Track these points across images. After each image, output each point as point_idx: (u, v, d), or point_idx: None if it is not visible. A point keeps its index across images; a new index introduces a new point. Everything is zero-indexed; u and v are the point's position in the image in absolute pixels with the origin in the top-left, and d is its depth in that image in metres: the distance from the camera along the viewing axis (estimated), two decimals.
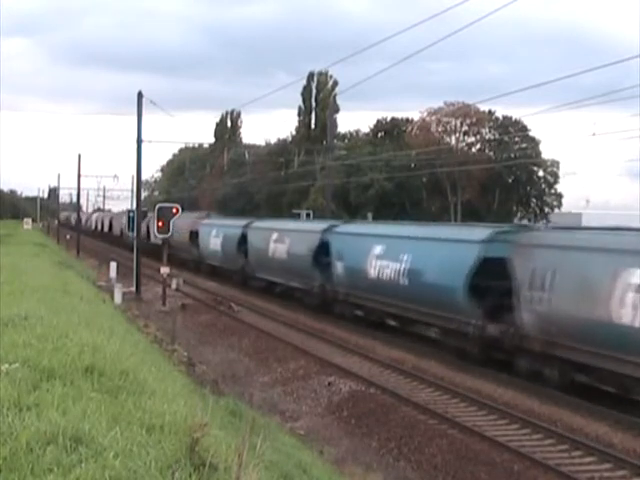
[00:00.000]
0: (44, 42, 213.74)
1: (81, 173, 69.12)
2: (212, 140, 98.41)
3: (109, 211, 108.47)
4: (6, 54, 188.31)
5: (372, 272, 26.57)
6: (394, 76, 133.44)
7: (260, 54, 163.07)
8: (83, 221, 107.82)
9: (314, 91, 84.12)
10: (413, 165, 68.74)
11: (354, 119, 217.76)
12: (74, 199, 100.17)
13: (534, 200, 78.60)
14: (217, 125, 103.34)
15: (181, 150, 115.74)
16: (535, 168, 76.67)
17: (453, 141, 76.56)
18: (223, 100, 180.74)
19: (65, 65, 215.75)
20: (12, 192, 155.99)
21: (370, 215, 61.90)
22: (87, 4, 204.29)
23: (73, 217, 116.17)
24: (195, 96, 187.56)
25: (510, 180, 75.47)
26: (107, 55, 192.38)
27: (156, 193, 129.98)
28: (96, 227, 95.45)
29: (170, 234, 43.85)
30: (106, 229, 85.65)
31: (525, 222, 75.15)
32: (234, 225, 44.76)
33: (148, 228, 54.19)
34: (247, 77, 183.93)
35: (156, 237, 52.17)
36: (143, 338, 20.26)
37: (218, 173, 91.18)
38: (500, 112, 76.52)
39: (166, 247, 36.50)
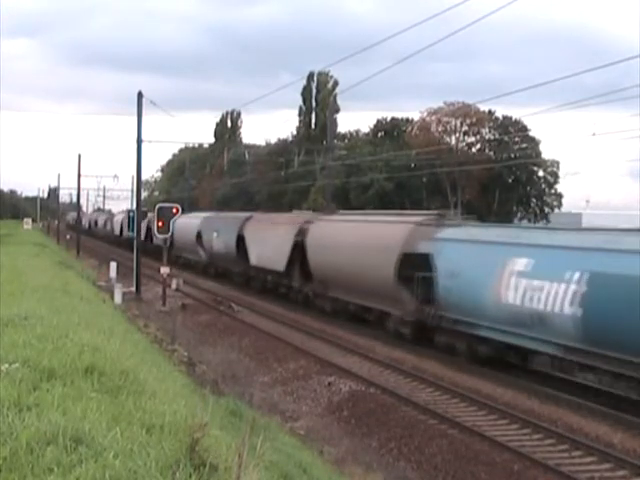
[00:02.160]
0: (46, 42, 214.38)
1: (81, 173, 69.00)
2: (212, 140, 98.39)
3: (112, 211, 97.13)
4: (8, 54, 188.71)
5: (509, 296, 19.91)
6: (394, 76, 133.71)
7: (264, 55, 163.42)
8: (100, 224, 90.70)
9: (314, 91, 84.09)
10: (413, 165, 68.70)
11: (354, 119, 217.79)
12: (74, 199, 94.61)
13: (534, 200, 78.54)
14: (217, 125, 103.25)
15: (181, 150, 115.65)
16: (535, 168, 76.61)
17: (453, 141, 76.47)
18: (224, 100, 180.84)
19: (67, 65, 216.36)
20: (12, 192, 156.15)
21: None
22: (89, 4, 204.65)
23: (87, 219, 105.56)
24: (196, 96, 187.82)
25: (510, 180, 75.41)
26: (108, 55, 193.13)
27: (156, 193, 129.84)
28: (121, 232, 66.62)
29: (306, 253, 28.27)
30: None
31: (525, 222, 75.21)
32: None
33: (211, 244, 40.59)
34: (249, 77, 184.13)
35: (257, 260, 36.41)
36: (143, 338, 20.27)
37: (218, 173, 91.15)
38: (500, 112, 76.51)
39: (165, 248, 36.33)
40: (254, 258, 36.45)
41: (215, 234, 42.03)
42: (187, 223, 48.35)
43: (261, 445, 5.67)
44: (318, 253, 30.29)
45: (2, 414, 5.81)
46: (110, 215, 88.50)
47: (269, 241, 34.86)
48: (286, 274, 33.27)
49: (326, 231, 30.70)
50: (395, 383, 20.14)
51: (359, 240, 27.40)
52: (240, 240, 38.76)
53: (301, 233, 32.14)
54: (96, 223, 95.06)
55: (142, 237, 45.64)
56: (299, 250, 31.88)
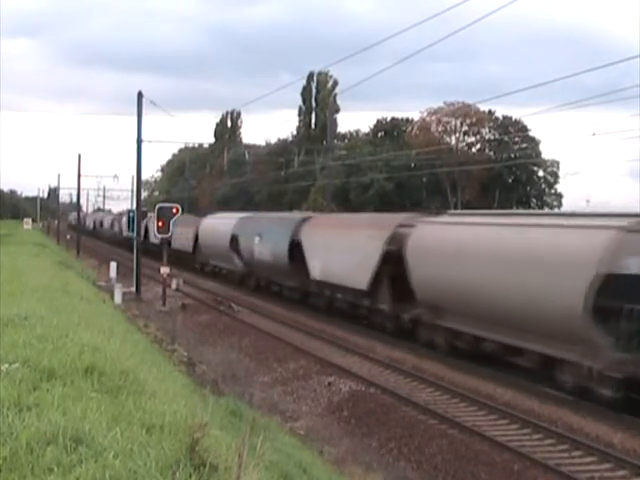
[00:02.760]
0: (46, 42, 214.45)
1: (81, 173, 68.94)
2: (212, 140, 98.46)
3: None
4: (8, 54, 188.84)
5: None
6: (394, 76, 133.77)
7: (264, 55, 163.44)
8: (106, 225, 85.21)
9: (314, 91, 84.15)
10: (413, 165, 68.77)
11: (354, 119, 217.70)
12: (74, 199, 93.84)
13: (534, 200, 78.60)
14: (217, 125, 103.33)
15: (181, 150, 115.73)
16: (535, 168, 76.69)
17: (453, 141, 76.56)
18: (224, 100, 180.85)
19: (67, 65, 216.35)
20: (12, 192, 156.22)
21: None
22: (89, 4, 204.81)
23: (92, 219, 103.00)
24: (196, 96, 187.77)
25: (510, 180, 75.49)
26: (108, 55, 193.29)
27: (156, 193, 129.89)
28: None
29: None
30: (152, 239, 46.52)
31: None
32: None
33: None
34: (249, 77, 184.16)
35: (322, 274, 28.61)
36: (143, 338, 20.29)
37: (218, 173, 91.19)
38: (500, 112, 76.64)
39: (166, 248, 36.27)
40: (317, 271, 29.43)
41: (257, 239, 35.74)
42: (217, 225, 42.65)
43: (261, 445, 5.67)
44: (427, 267, 22.68)
45: (2, 414, 5.81)
46: (118, 215, 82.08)
47: (342, 250, 27.81)
48: (369, 293, 26.25)
49: (443, 237, 22.80)
50: (395, 383, 20.12)
51: (513, 252, 19.39)
52: (294, 247, 31.90)
53: (395, 240, 24.84)
54: (101, 223, 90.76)
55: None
56: (391, 263, 24.71)
